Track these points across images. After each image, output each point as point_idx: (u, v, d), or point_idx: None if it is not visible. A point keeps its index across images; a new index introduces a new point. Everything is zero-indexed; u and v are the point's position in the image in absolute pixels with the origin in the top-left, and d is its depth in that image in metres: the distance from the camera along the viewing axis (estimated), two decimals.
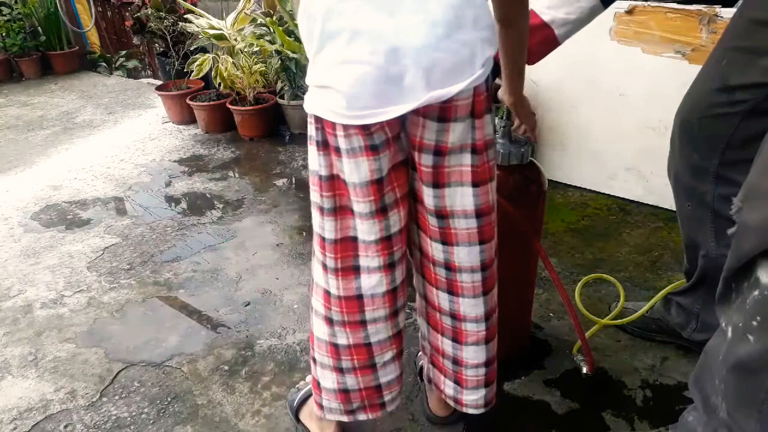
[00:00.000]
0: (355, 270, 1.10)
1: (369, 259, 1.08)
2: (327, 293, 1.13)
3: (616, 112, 2.28)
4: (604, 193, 2.44)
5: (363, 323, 1.14)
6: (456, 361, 1.23)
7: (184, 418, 1.48)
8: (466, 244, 1.10)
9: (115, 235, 2.35)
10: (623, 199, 2.39)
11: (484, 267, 1.12)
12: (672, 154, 1.42)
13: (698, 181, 1.34)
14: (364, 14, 0.88)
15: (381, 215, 1.04)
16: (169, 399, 1.54)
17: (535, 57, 1.24)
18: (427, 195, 1.06)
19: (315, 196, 1.07)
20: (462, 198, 1.06)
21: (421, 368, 1.44)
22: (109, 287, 2.02)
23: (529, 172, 1.36)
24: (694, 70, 2.02)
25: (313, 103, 0.98)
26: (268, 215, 2.45)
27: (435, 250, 1.13)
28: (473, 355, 1.20)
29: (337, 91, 0.92)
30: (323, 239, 1.09)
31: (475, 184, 1.05)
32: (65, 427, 1.48)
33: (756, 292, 0.90)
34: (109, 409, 1.52)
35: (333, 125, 0.97)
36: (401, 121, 1.00)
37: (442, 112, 0.97)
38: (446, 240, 1.10)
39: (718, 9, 1.92)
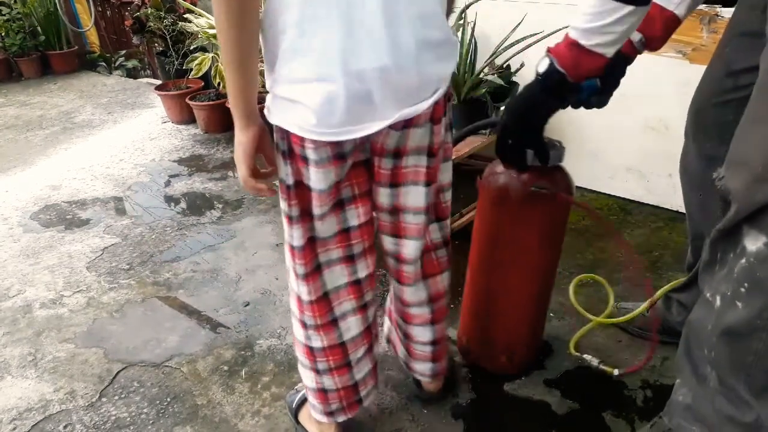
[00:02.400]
0: (318, 268, 1.13)
1: (329, 252, 1.12)
2: (299, 299, 1.17)
3: (617, 111, 2.27)
4: (604, 193, 2.43)
5: (334, 322, 1.18)
6: (406, 336, 1.35)
7: (183, 418, 1.48)
8: (414, 238, 1.17)
9: (114, 235, 2.34)
10: (624, 199, 2.38)
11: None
12: (686, 144, 1.43)
13: (711, 169, 1.35)
14: (336, 33, 0.87)
15: (338, 209, 1.09)
16: (168, 399, 1.54)
17: (661, 42, 1.22)
18: (383, 195, 1.12)
19: (283, 204, 1.08)
20: (415, 196, 1.12)
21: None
22: (109, 287, 2.02)
23: (564, 173, 1.36)
24: (695, 69, 2.03)
25: (279, 116, 0.97)
26: (267, 215, 2.45)
27: (386, 243, 1.21)
28: (420, 333, 1.32)
29: (306, 107, 0.91)
30: (292, 247, 1.10)
31: (427, 184, 1.11)
32: (65, 427, 1.47)
33: (743, 260, 0.96)
34: (108, 409, 1.52)
35: (301, 138, 0.96)
36: None
37: (406, 122, 1.01)
38: (397, 233, 1.18)
39: (719, 8, 1.92)
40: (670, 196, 2.26)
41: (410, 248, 1.18)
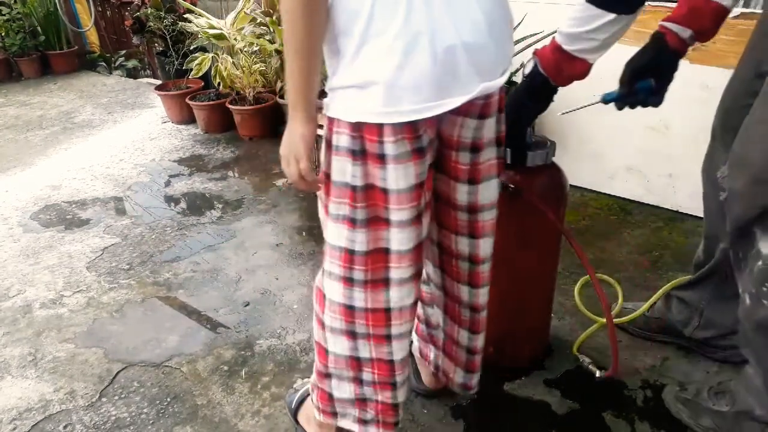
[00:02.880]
0: (385, 282, 1.06)
1: (402, 270, 1.05)
2: (349, 308, 1.08)
3: (616, 112, 2.28)
4: (604, 193, 2.44)
5: (388, 338, 1.11)
6: (470, 350, 1.30)
7: (183, 418, 1.48)
8: (489, 235, 1.15)
9: (114, 235, 2.34)
10: (624, 199, 2.38)
11: (492, 257, 1.19)
12: (711, 145, 1.42)
13: None
14: (417, 10, 0.87)
15: (419, 221, 1.03)
16: (168, 399, 1.54)
17: (712, 33, 1.19)
18: (462, 192, 1.09)
19: (344, 209, 1.01)
20: (490, 190, 1.11)
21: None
22: (109, 287, 2.02)
23: (554, 172, 1.35)
24: (695, 69, 2.03)
25: (353, 110, 0.93)
26: (267, 215, 2.45)
27: (461, 244, 1.16)
28: (480, 341, 1.29)
29: (387, 86, 0.89)
30: (351, 252, 1.03)
31: (498, 176, 1.12)
32: (65, 427, 1.47)
33: (760, 263, 1.01)
34: (108, 409, 1.52)
35: (379, 131, 0.92)
36: (438, 123, 1.01)
37: (483, 109, 1.01)
38: (474, 233, 1.14)
39: None
40: (670, 196, 2.26)
41: (485, 247, 1.15)
